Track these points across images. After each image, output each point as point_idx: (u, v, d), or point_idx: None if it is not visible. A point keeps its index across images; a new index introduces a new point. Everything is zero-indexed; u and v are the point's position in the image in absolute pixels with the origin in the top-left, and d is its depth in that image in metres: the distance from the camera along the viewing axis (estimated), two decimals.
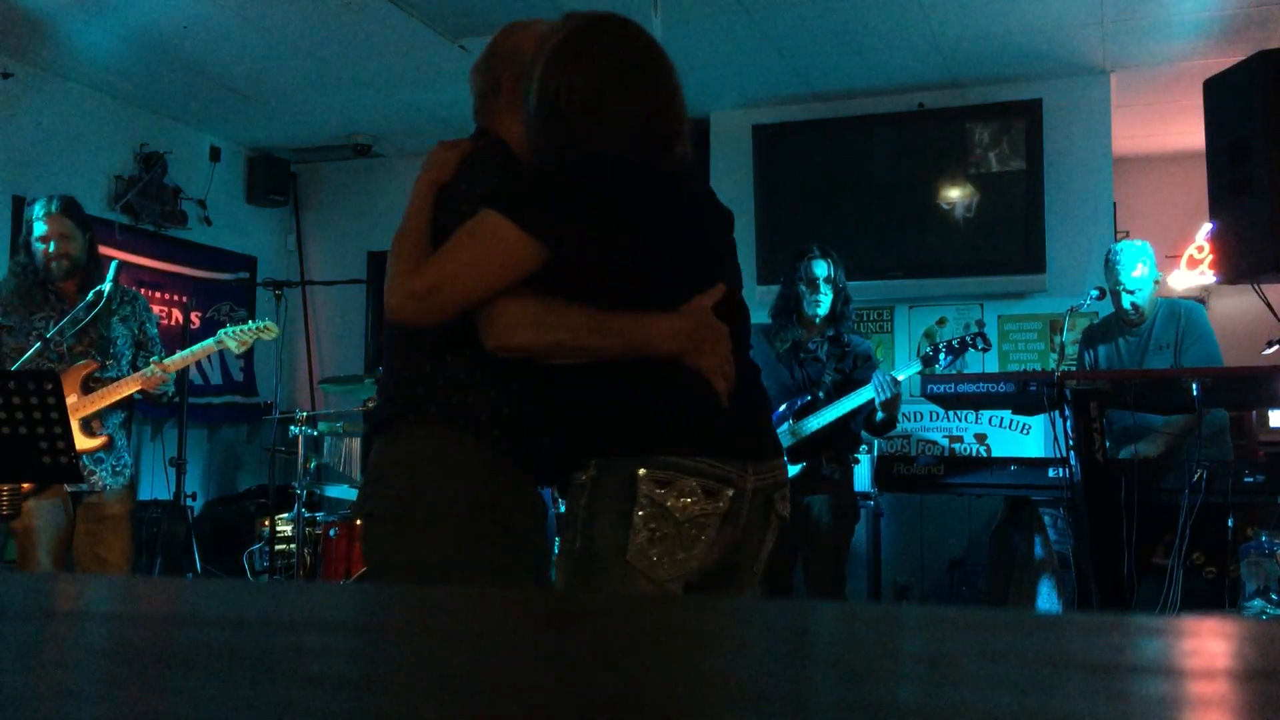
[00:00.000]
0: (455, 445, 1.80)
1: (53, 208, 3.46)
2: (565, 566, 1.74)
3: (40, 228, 3.45)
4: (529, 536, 1.85)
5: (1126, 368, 3.90)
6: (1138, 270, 3.92)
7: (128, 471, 3.56)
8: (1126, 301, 3.94)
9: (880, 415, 3.69)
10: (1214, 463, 3.41)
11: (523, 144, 1.91)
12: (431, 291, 1.70)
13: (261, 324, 3.76)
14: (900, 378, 3.71)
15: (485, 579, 1.76)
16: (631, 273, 1.73)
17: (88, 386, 3.42)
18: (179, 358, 3.56)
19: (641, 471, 1.66)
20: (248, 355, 6.71)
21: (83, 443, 3.32)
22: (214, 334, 3.70)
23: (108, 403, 3.42)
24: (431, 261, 1.73)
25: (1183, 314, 3.98)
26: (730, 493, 1.70)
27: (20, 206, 5.09)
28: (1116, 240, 5.64)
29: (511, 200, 1.70)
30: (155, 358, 3.56)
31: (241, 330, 3.68)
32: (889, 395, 3.60)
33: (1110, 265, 4.01)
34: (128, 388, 3.44)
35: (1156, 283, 3.98)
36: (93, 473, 3.42)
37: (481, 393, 1.79)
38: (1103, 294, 4.03)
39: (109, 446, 3.46)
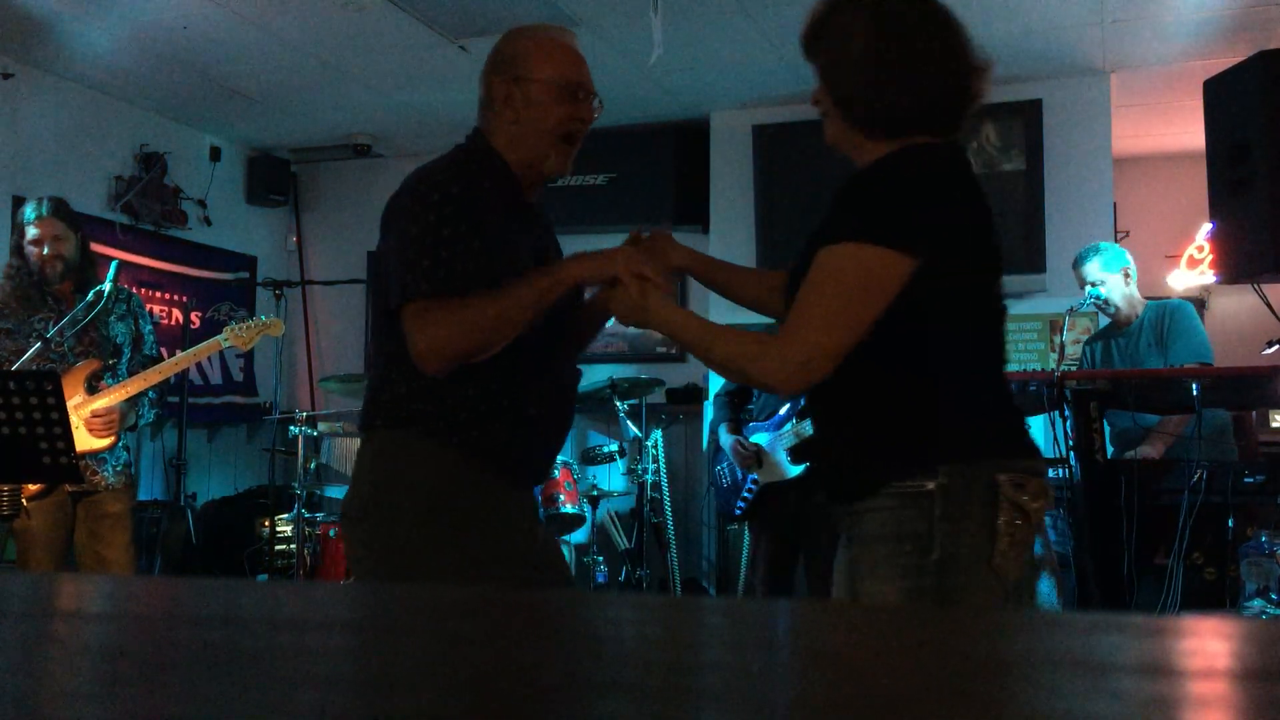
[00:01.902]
0: (416, 449, 1.84)
1: (43, 210, 3.46)
2: (913, 579, 1.63)
3: (32, 231, 3.45)
4: (502, 536, 1.87)
5: (1118, 369, 3.91)
6: (1095, 266, 3.96)
7: (128, 471, 3.56)
8: (1089, 299, 3.97)
9: None
10: (1215, 463, 3.41)
11: (512, 145, 1.94)
12: (815, 358, 1.61)
13: (267, 319, 3.75)
14: None
15: (446, 578, 1.78)
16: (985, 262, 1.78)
17: (91, 386, 3.43)
18: (182, 357, 3.57)
19: (1002, 477, 1.62)
20: (248, 355, 6.71)
21: (86, 443, 3.32)
22: (215, 334, 3.69)
23: (112, 402, 3.42)
24: (804, 323, 1.63)
25: (1169, 312, 4.00)
26: (1051, 489, 1.72)
27: (20, 207, 5.10)
28: (1116, 240, 5.66)
29: (862, 219, 1.63)
30: (146, 349, 3.58)
31: (246, 326, 3.67)
32: None
33: (1074, 266, 4.09)
34: (133, 387, 3.44)
35: (1128, 276, 3.98)
36: (94, 472, 3.42)
37: (439, 398, 1.83)
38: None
39: (110, 446, 3.46)
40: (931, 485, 1.61)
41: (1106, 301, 3.98)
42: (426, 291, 1.76)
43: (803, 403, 3.72)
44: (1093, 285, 3.96)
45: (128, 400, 3.45)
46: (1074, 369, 4.21)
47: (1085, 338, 4.43)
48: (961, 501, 1.61)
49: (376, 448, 1.89)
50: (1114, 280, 3.97)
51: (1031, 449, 1.74)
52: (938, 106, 1.69)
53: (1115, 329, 4.07)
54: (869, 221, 1.61)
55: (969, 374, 1.71)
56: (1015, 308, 5.52)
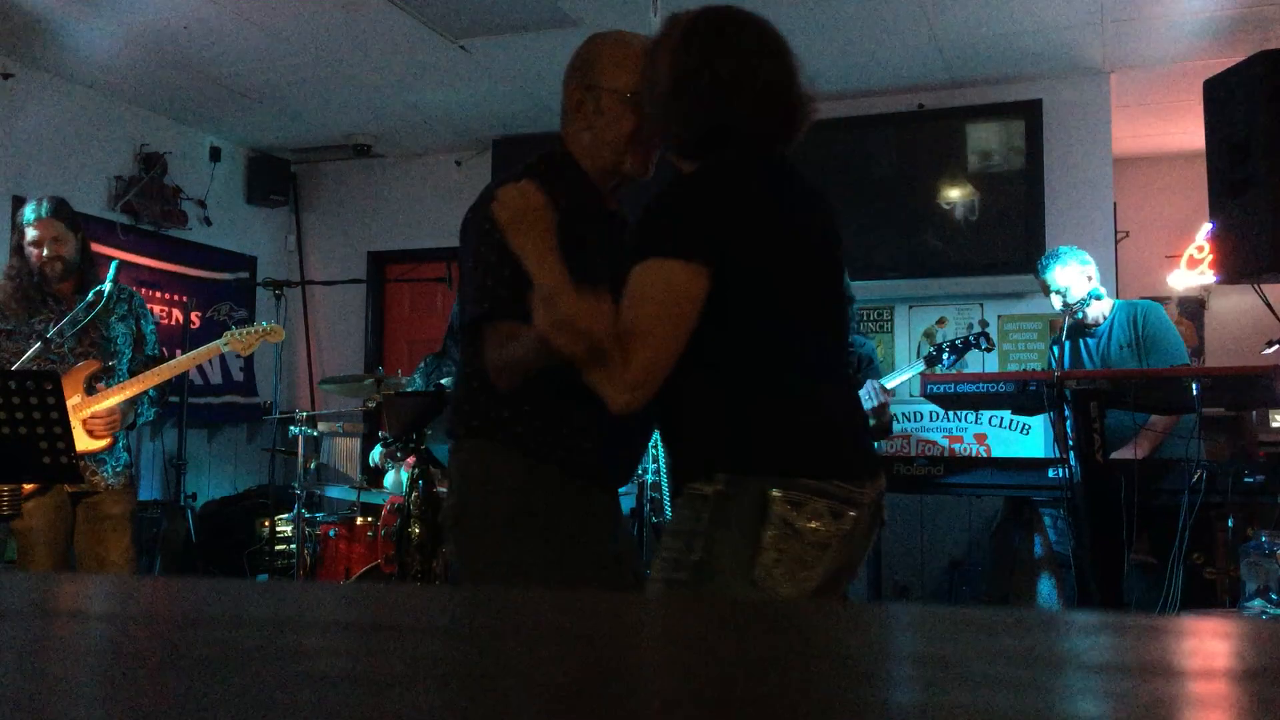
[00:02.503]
0: (496, 457, 1.91)
1: (43, 211, 3.46)
2: (670, 572, 1.70)
3: (32, 233, 3.45)
4: (583, 538, 1.93)
5: (1090, 369, 3.92)
6: (1055, 272, 3.96)
7: (128, 471, 3.56)
8: (1058, 302, 3.97)
9: (872, 422, 3.70)
10: (1212, 462, 3.41)
11: (588, 153, 1.97)
12: (647, 377, 1.63)
13: (267, 326, 3.75)
14: (890, 385, 3.72)
15: (532, 582, 1.86)
16: (793, 289, 1.73)
17: (91, 387, 3.42)
18: (182, 359, 3.57)
19: (775, 493, 1.64)
20: (248, 355, 6.71)
21: (85, 443, 3.32)
22: (215, 334, 3.69)
23: (111, 403, 3.42)
24: (632, 344, 1.61)
25: (1140, 315, 4.00)
26: (853, 513, 1.70)
27: (20, 206, 5.10)
28: (1116, 240, 5.66)
29: (666, 233, 1.65)
30: (149, 349, 3.59)
31: (247, 332, 3.67)
32: (876, 403, 3.62)
33: (1037, 274, 4.10)
34: (133, 388, 3.44)
35: (1090, 279, 3.98)
36: (94, 472, 3.42)
37: (516, 407, 1.88)
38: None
39: (110, 446, 3.46)
40: (709, 490, 1.67)
41: (1073, 306, 3.98)
42: (490, 314, 1.83)
43: None
44: (1059, 293, 3.97)
45: (127, 400, 3.45)
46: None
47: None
48: (730, 511, 1.66)
49: (463, 457, 1.95)
50: (1078, 284, 3.96)
51: (850, 468, 1.70)
52: (741, 129, 1.73)
53: (1083, 329, 4.07)
54: (666, 237, 1.63)
55: (773, 382, 1.69)
56: (1015, 308, 5.56)
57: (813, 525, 1.66)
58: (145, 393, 3.50)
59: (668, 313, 1.62)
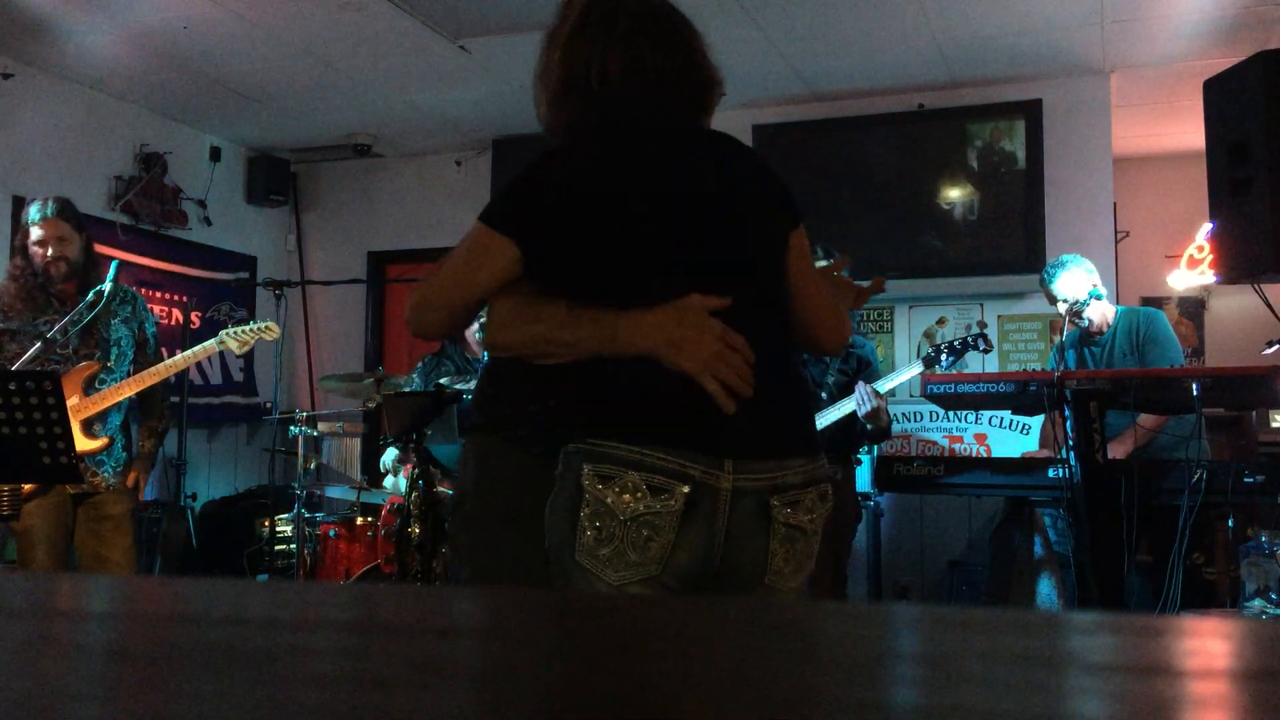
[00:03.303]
0: (497, 453, 1.91)
1: (49, 211, 3.46)
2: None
3: (37, 232, 3.45)
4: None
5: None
6: (1061, 280, 3.96)
7: (129, 471, 3.56)
8: (1063, 308, 3.98)
9: (869, 427, 3.71)
10: (1212, 462, 3.41)
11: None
12: (422, 305, 1.71)
13: (263, 324, 3.76)
14: (883, 389, 3.72)
15: (520, 577, 1.83)
16: (617, 261, 1.65)
17: (90, 387, 3.43)
18: (180, 358, 3.57)
19: (586, 467, 1.57)
20: (248, 355, 6.70)
21: (84, 444, 3.32)
22: (215, 335, 3.70)
23: (109, 404, 3.43)
24: (426, 277, 1.73)
25: (1141, 321, 4.01)
26: (685, 489, 1.55)
27: (20, 206, 5.10)
28: (1116, 240, 5.65)
29: (491, 202, 1.70)
30: (149, 352, 3.61)
31: (243, 330, 3.68)
32: (870, 408, 3.62)
33: (1041, 284, 4.11)
34: (130, 389, 3.44)
35: (1094, 284, 3.98)
36: (94, 473, 3.43)
37: (519, 404, 1.86)
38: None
39: (109, 447, 3.47)
40: (556, 469, 1.64)
41: (1080, 314, 3.99)
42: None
43: None
44: (1065, 301, 3.97)
45: (151, 446, 3.60)
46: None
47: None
48: (560, 489, 1.62)
49: (469, 451, 1.98)
50: (1081, 290, 3.97)
51: (676, 438, 1.56)
52: (560, 117, 1.77)
53: (1087, 338, 4.08)
54: (489, 206, 1.69)
55: (593, 356, 1.63)
56: (1015, 308, 5.56)
57: (624, 500, 1.55)
58: (158, 431, 3.64)
59: (457, 262, 1.68)
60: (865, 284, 2.07)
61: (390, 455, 4.36)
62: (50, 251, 3.44)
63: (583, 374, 1.64)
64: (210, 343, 3.62)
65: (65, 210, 3.50)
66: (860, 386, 3.65)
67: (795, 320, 1.79)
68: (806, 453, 1.69)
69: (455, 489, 2.01)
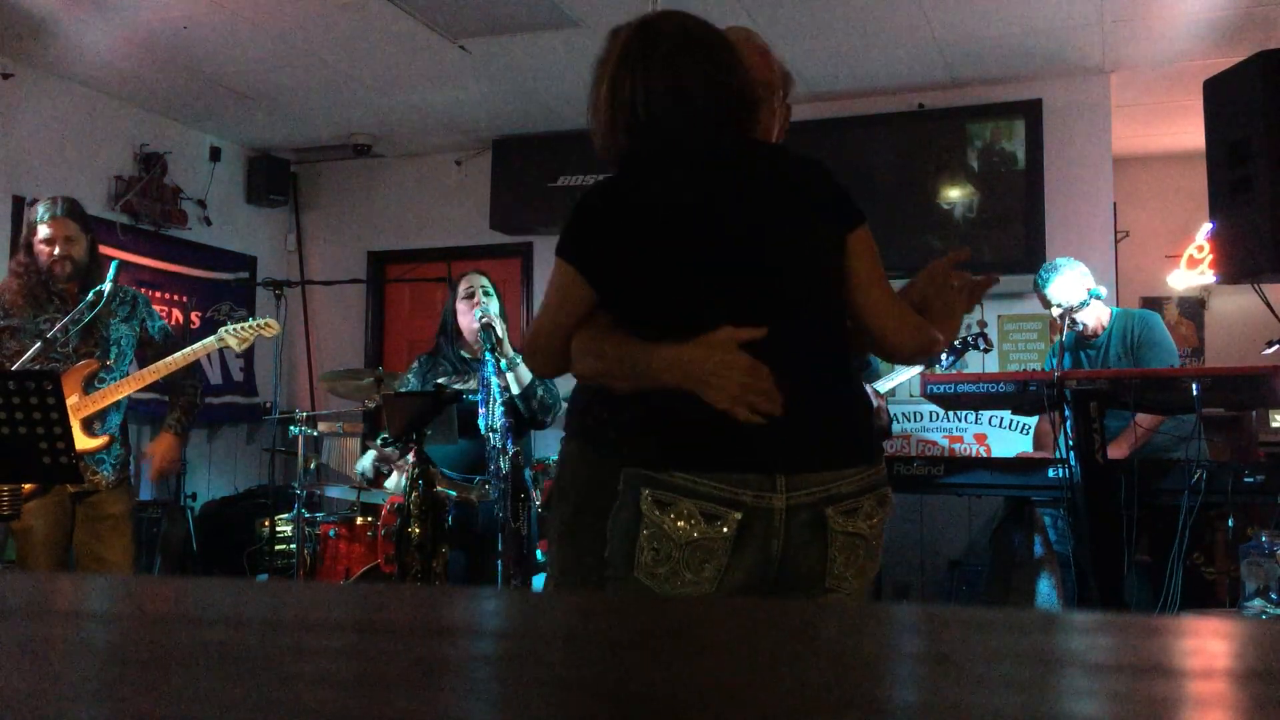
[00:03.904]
0: (577, 457, 2.13)
1: (57, 210, 3.47)
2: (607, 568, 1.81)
3: (45, 230, 3.46)
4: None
5: None
6: (1055, 284, 3.95)
7: (127, 471, 3.56)
8: (1057, 311, 3.96)
9: None
10: (1212, 462, 3.41)
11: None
12: (530, 351, 1.86)
13: (262, 321, 3.76)
14: (883, 389, 3.71)
15: (578, 577, 2.02)
16: (667, 289, 1.72)
17: (89, 386, 3.43)
18: (179, 356, 3.57)
19: (645, 491, 1.66)
20: (248, 355, 6.71)
21: (83, 442, 3.32)
22: (214, 334, 3.70)
23: (108, 403, 3.43)
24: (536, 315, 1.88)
25: (1135, 323, 4.01)
26: (738, 516, 1.62)
27: (20, 206, 5.10)
28: (1116, 240, 5.66)
29: (563, 240, 1.77)
30: (160, 343, 3.62)
31: (242, 327, 3.68)
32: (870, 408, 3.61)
33: (1036, 288, 4.09)
34: (128, 387, 3.45)
35: (1088, 288, 3.97)
36: (94, 472, 3.43)
37: (596, 413, 2.06)
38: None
39: (109, 446, 3.47)
40: (619, 485, 1.74)
41: (1074, 319, 3.98)
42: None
43: None
44: (1059, 306, 3.96)
45: (177, 440, 3.59)
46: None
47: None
48: (621, 505, 1.73)
49: (561, 452, 2.22)
50: (1076, 294, 3.96)
51: (730, 463, 1.64)
52: (613, 147, 1.81)
53: (1083, 341, 4.08)
54: (560, 238, 1.78)
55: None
56: (1015, 308, 5.56)
57: (680, 527, 1.63)
58: (179, 404, 3.63)
59: (549, 299, 1.79)
60: (979, 278, 2.00)
61: (368, 459, 4.31)
62: (57, 250, 3.44)
63: (644, 400, 1.73)
64: (210, 340, 3.63)
65: (74, 210, 3.52)
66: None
67: (863, 325, 1.77)
68: (862, 460, 1.72)
69: (553, 484, 2.26)
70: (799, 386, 1.68)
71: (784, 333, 1.68)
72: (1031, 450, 4.57)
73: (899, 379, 3.95)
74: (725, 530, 1.62)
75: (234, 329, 3.67)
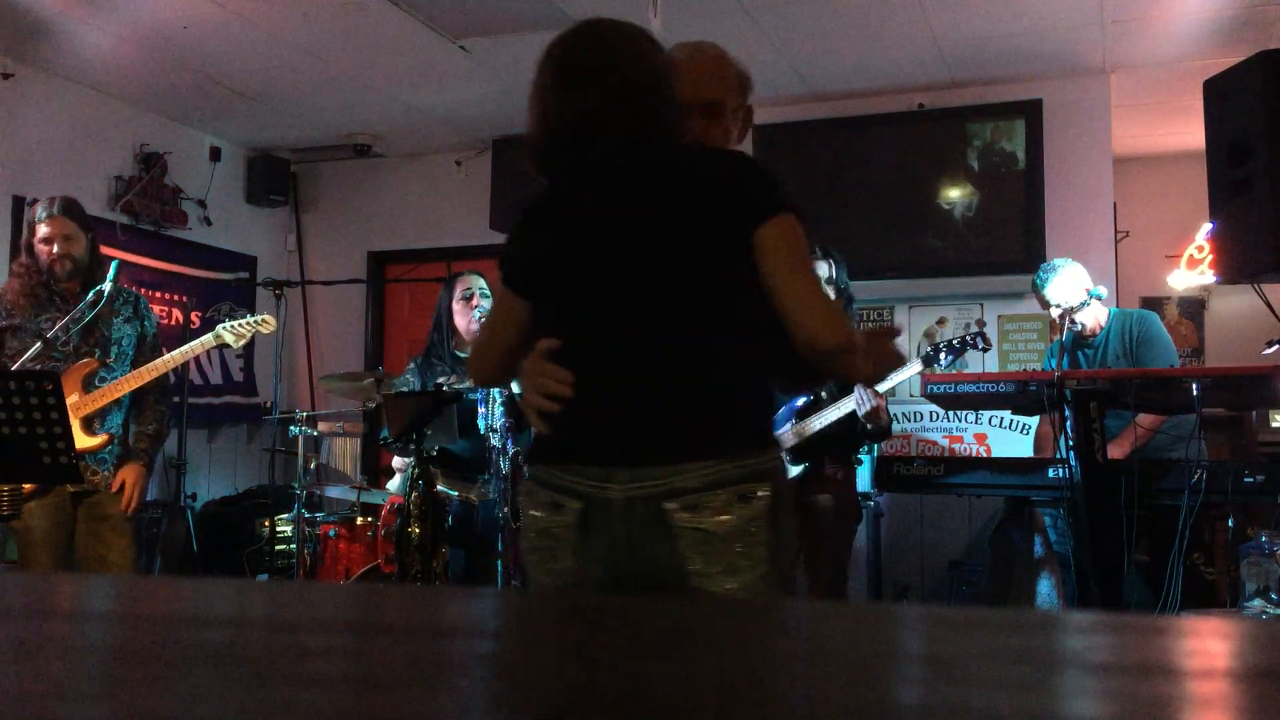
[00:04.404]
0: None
1: (55, 209, 3.48)
2: None
3: (44, 229, 3.47)
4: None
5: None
6: (1053, 285, 3.95)
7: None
8: (1056, 313, 3.96)
9: (868, 427, 3.70)
10: (1212, 462, 3.41)
11: None
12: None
13: (259, 318, 3.77)
14: (883, 389, 3.71)
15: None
16: (550, 297, 1.85)
17: (90, 385, 3.43)
18: (177, 354, 3.57)
19: (525, 484, 1.81)
20: (247, 355, 6.71)
21: (83, 441, 3.32)
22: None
23: (108, 401, 3.43)
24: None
25: (1135, 324, 4.00)
26: (577, 505, 1.70)
27: (20, 206, 5.10)
28: (1116, 240, 5.66)
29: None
30: (148, 350, 3.60)
31: (239, 324, 3.69)
32: (869, 408, 3.61)
33: (1034, 289, 4.08)
34: (128, 385, 3.45)
35: (1087, 289, 3.97)
36: (95, 471, 3.43)
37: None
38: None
39: (110, 446, 3.47)
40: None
41: (1073, 320, 3.97)
42: None
43: (802, 403, 3.72)
44: (1058, 306, 3.95)
45: (146, 465, 3.55)
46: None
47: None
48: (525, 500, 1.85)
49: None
50: (1075, 295, 3.96)
51: (566, 455, 1.74)
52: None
53: (1081, 341, 4.07)
54: None
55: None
56: (1015, 308, 5.56)
57: (533, 515, 1.77)
58: (148, 434, 3.58)
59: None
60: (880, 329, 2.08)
61: (398, 481, 4.25)
62: (56, 248, 3.45)
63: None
64: (207, 337, 3.63)
65: (72, 209, 3.52)
66: (859, 387, 3.65)
67: (783, 317, 1.75)
68: (712, 455, 1.69)
69: None
70: (646, 384, 1.73)
71: (638, 334, 1.75)
72: (1032, 454, 4.57)
73: (899, 379, 3.95)
74: (568, 519, 1.71)
75: (231, 325, 3.68)
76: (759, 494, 1.69)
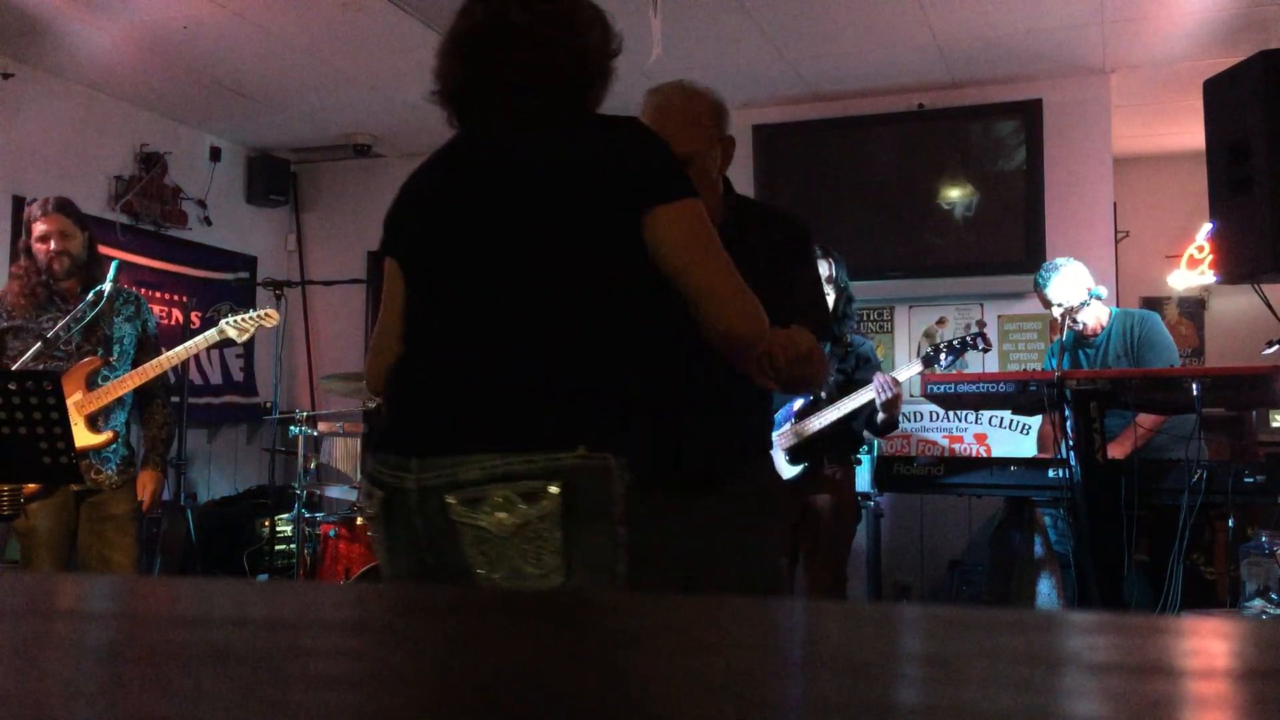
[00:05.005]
0: None
1: (50, 208, 3.50)
2: None
3: (40, 228, 3.48)
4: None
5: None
6: (1055, 284, 3.94)
7: (132, 471, 3.57)
8: (1058, 312, 3.95)
9: (881, 416, 3.70)
10: (1212, 462, 3.41)
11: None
12: (366, 366, 1.89)
13: (262, 312, 3.77)
14: (901, 378, 3.72)
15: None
16: (407, 269, 1.78)
17: (92, 383, 3.44)
18: (180, 349, 3.58)
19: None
20: (247, 355, 6.71)
21: (88, 438, 3.33)
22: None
23: (112, 398, 3.43)
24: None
25: (1136, 324, 4.00)
26: (381, 494, 1.63)
27: (20, 206, 5.09)
28: (1116, 240, 5.66)
29: None
30: (151, 350, 3.62)
31: (243, 319, 3.69)
32: (889, 396, 3.61)
33: (1036, 288, 4.07)
34: (132, 382, 3.45)
35: (1088, 288, 3.96)
36: (98, 470, 3.43)
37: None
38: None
39: (114, 444, 3.47)
40: None
41: (1074, 319, 3.97)
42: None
43: (802, 403, 3.72)
44: (1058, 305, 3.95)
45: (160, 470, 3.59)
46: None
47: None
48: None
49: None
50: (1076, 295, 3.96)
51: (385, 445, 1.65)
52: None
53: (1082, 341, 4.07)
54: None
55: None
56: (1015, 308, 5.56)
57: (364, 504, 1.76)
58: (160, 439, 3.62)
59: (383, 303, 1.85)
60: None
61: None
62: (54, 245, 3.46)
63: None
64: (210, 332, 3.63)
65: (66, 207, 3.53)
66: (879, 375, 3.66)
67: (693, 308, 1.60)
68: (498, 446, 1.53)
69: None
70: (458, 369, 1.61)
71: (470, 316, 1.63)
72: (1036, 453, 4.57)
73: (913, 370, 3.96)
74: (375, 510, 1.66)
75: (234, 320, 3.68)
76: (547, 492, 1.51)
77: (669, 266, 1.59)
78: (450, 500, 1.54)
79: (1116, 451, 3.69)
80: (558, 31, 1.71)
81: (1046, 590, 3.75)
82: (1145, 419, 3.79)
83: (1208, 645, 0.59)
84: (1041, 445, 4.41)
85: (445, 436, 1.58)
